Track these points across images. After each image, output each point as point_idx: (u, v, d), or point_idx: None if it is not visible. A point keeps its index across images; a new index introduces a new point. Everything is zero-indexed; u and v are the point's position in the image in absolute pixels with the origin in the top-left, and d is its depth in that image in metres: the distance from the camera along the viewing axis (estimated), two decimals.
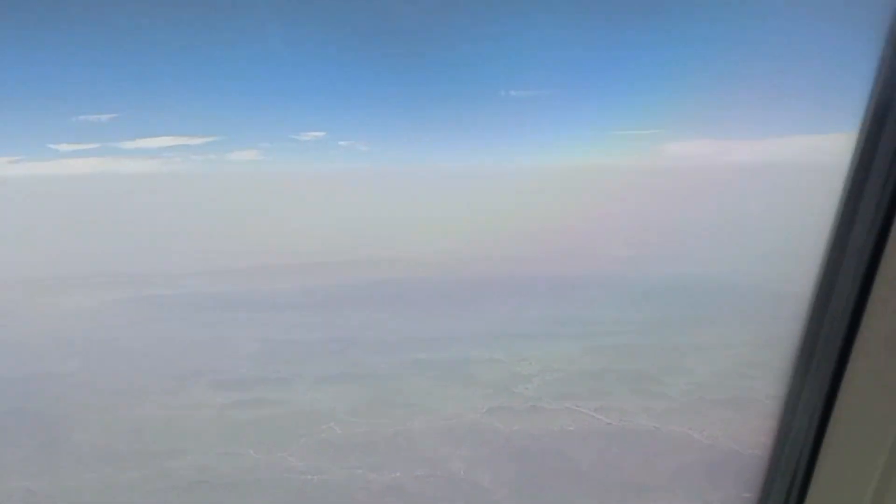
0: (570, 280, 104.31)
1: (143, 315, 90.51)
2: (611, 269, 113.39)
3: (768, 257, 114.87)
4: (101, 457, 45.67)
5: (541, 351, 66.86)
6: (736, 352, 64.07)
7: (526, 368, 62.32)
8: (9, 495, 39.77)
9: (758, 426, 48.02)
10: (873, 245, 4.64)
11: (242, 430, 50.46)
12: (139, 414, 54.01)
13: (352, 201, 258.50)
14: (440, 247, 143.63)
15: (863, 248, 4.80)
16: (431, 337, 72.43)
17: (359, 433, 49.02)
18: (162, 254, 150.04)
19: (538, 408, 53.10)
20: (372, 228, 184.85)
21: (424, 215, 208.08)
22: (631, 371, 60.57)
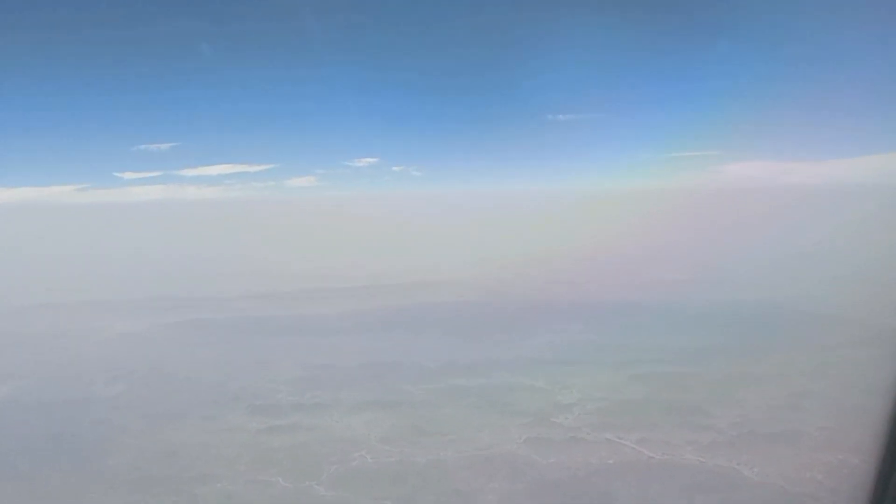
0: (618, 305, 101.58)
1: (190, 339, 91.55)
2: (660, 295, 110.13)
3: (827, 282, 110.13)
4: (132, 482, 45.61)
5: (583, 379, 64.59)
6: (789, 382, 60.79)
7: (567, 397, 60.22)
8: None
9: (811, 462, 45.12)
10: None
11: (274, 457, 49.80)
12: (175, 438, 53.93)
13: (402, 226, 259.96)
14: (488, 270, 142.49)
15: None
16: (471, 363, 70.95)
17: (390, 462, 47.84)
18: (215, 278, 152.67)
19: (578, 439, 51.02)
20: (421, 252, 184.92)
21: (473, 239, 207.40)
22: (677, 401, 57.85)
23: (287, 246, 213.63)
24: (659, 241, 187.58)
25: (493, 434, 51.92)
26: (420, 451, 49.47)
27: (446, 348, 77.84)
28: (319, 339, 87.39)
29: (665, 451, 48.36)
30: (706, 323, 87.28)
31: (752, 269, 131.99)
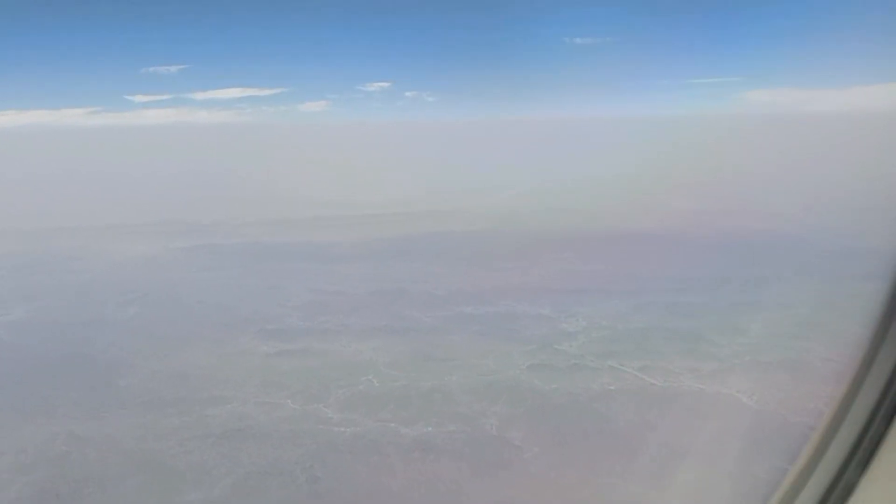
0: (630, 234, 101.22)
1: (202, 263, 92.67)
2: (673, 224, 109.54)
3: (846, 212, 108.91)
4: (145, 402, 46.99)
5: (589, 307, 65.08)
6: (796, 312, 60.92)
7: (572, 325, 60.84)
8: (52, 438, 41.34)
9: (812, 392, 45.59)
10: None
11: (284, 380, 50.97)
12: (187, 360, 55.25)
13: (415, 153, 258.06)
14: (499, 199, 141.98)
15: None
16: (480, 291, 71.52)
17: (396, 387, 48.88)
18: (227, 203, 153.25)
19: (580, 366, 51.78)
20: (432, 180, 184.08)
21: (486, 167, 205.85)
22: (681, 330, 58.30)
23: (299, 172, 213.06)
24: (675, 169, 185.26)
25: (497, 360, 52.76)
26: (425, 375, 50.43)
27: (454, 276, 78.36)
28: (330, 266, 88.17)
29: (666, 378, 49.04)
30: (717, 253, 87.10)
31: (770, 198, 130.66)
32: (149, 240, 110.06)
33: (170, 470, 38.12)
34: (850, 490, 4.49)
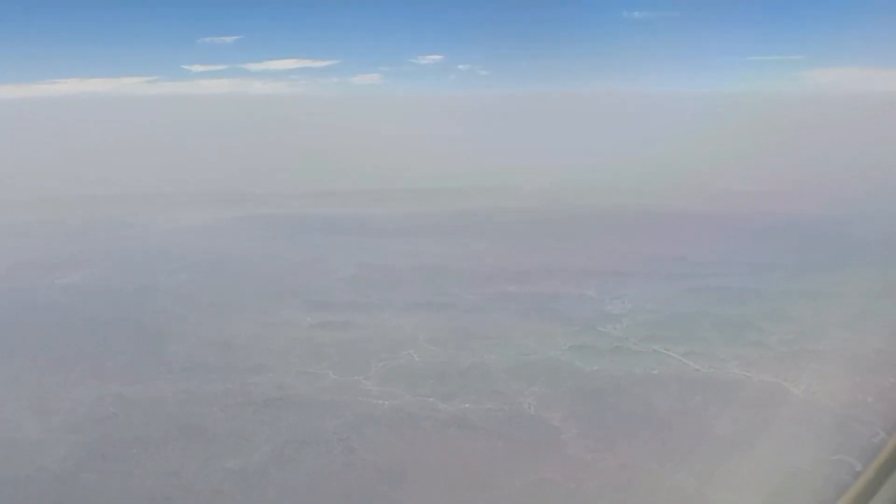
0: (683, 216, 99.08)
1: (253, 233, 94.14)
2: (729, 206, 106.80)
3: None
4: (189, 368, 48.05)
5: (637, 289, 63.95)
6: (850, 300, 58.82)
7: (618, 307, 59.89)
8: (100, 399, 42.63)
9: (862, 383, 44.07)
10: None
11: (326, 351, 51.50)
12: (232, 329, 56.27)
13: (467, 127, 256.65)
14: (551, 177, 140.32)
15: None
16: (525, 269, 70.90)
17: (436, 362, 48.93)
18: (280, 174, 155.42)
19: (623, 349, 50.99)
20: (484, 155, 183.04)
21: (538, 143, 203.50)
22: (730, 316, 56.80)
23: (350, 145, 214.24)
24: (734, 149, 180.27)
25: (538, 340, 52.34)
26: (465, 352, 50.39)
27: (499, 254, 77.94)
28: (376, 240, 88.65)
29: (711, 365, 47.95)
30: (773, 237, 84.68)
31: (830, 182, 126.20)
32: (202, 209, 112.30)
33: (211, 435, 38.95)
34: None
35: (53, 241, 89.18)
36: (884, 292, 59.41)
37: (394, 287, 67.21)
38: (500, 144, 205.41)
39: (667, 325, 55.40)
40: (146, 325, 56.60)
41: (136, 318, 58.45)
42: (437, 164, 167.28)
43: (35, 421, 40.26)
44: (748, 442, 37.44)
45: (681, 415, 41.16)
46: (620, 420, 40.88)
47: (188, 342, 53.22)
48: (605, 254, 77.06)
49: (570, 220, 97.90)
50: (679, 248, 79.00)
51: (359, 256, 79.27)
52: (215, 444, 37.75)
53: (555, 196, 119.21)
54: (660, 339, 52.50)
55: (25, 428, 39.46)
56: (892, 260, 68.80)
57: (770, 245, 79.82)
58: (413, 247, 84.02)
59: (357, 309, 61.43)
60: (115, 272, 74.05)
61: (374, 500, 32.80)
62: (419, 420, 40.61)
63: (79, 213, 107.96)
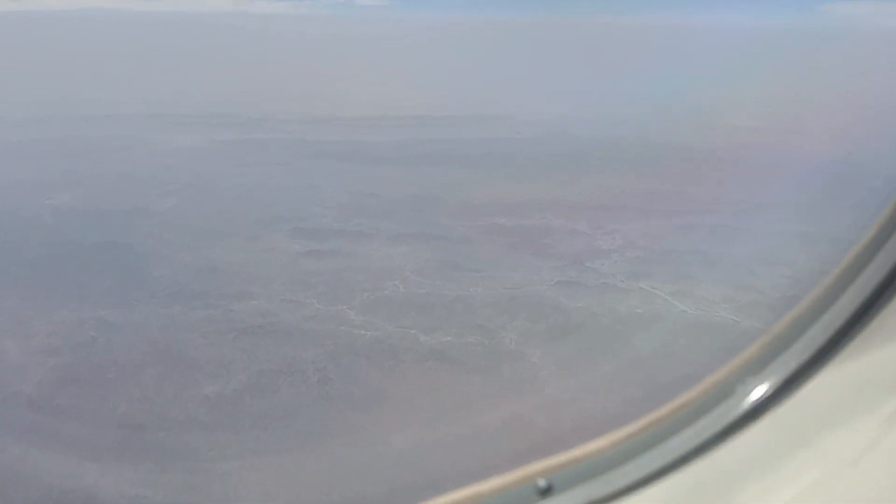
0: (683, 150, 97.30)
1: (245, 158, 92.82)
2: (731, 142, 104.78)
3: None
4: (173, 294, 47.82)
5: (629, 225, 63.18)
6: (847, 246, 57.86)
7: (607, 243, 59.26)
8: (81, 323, 42.51)
9: None
10: None
11: (311, 280, 51.20)
12: (218, 255, 55.89)
13: (471, 53, 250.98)
14: (552, 107, 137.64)
15: None
16: (517, 202, 70.02)
17: (420, 294, 48.65)
18: (277, 98, 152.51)
19: (610, 285, 50.61)
20: (487, 83, 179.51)
21: (543, 72, 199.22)
22: (723, 256, 56.32)
23: (352, 70, 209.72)
24: (744, 84, 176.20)
25: (524, 274, 51.88)
26: (451, 285, 50.01)
27: (493, 185, 76.84)
28: (370, 168, 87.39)
29: (699, 306, 47.56)
30: (775, 175, 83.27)
31: (842, 121, 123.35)
32: (196, 131, 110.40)
33: (190, 361, 38.92)
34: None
35: (46, 161, 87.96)
36: None
37: (384, 216, 66.45)
38: (502, 73, 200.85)
39: (656, 263, 54.87)
40: (132, 249, 56.16)
41: (124, 241, 57.96)
42: (436, 91, 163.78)
43: (14, 344, 40.17)
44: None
45: (662, 357, 40.92)
46: (600, 359, 40.82)
47: (174, 267, 52.82)
48: (600, 188, 75.92)
49: (566, 153, 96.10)
50: (677, 184, 77.76)
51: (351, 184, 78.30)
52: (193, 371, 37.72)
53: (554, 128, 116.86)
54: (648, 276, 51.99)
55: (4, 351, 39.42)
56: None
57: (771, 183, 78.54)
58: (407, 176, 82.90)
59: (345, 237, 60.91)
60: (105, 194, 73.17)
61: (345, 431, 32.90)
62: (399, 352, 40.50)
63: (71, 133, 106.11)
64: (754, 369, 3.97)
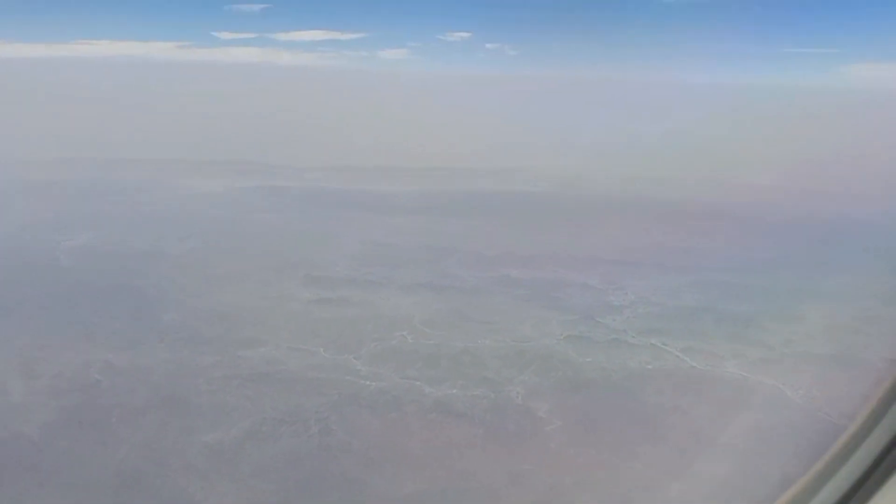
0: (699, 208, 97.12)
1: (263, 204, 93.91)
2: (747, 200, 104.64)
3: None
4: (182, 338, 47.92)
5: (640, 281, 62.69)
6: (860, 304, 57.24)
7: (619, 298, 58.79)
8: (87, 365, 42.61)
9: (865, 392, 42.67)
10: None
11: (320, 328, 51.13)
12: (230, 300, 56.07)
13: (490, 107, 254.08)
14: (567, 161, 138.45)
15: None
16: (531, 254, 69.85)
17: (428, 344, 48.35)
18: (297, 146, 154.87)
19: (621, 341, 50.00)
20: (505, 136, 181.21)
21: (560, 126, 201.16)
22: (734, 312, 55.52)
23: (372, 119, 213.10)
24: (760, 142, 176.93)
25: (534, 327, 51.52)
26: (459, 336, 49.72)
27: (506, 237, 76.89)
28: (385, 217, 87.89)
29: (709, 362, 46.89)
30: (788, 234, 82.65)
31: (855, 181, 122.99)
32: (217, 177, 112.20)
33: (193, 407, 38.78)
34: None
35: (67, 202, 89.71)
36: None
37: (397, 265, 66.56)
38: (521, 125, 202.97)
39: (668, 319, 54.29)
40: (145, 292, 56.59)
41: (137, 284, 58.47)
42: (456, 142, 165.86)
43: (20, 384, 40.35)
44: (736, 446, 36.50)
45: (670, 413, 40.21)
46: (607, 415, 40.07)
47: (185, 311, 53.08)
48: (614, 242, 75.68)
49: (582, 206, 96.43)
50: (690, 240, 77.62)
51: (366, 233, 78.74)
52: (195, 417, 37.55)
53: (571, 180, 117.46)
54: (659, 332, 51.44)
55: (10, 391, 39.58)
56: None
57: (784, 241, 77.94)
58: (421, 225, 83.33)
59: (357, 286, 60.95)
60: (122, 236, 74.19)
61: (344, 484, 32.37)
62: (403, 403, 40.10)
63: (96, 175, 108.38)
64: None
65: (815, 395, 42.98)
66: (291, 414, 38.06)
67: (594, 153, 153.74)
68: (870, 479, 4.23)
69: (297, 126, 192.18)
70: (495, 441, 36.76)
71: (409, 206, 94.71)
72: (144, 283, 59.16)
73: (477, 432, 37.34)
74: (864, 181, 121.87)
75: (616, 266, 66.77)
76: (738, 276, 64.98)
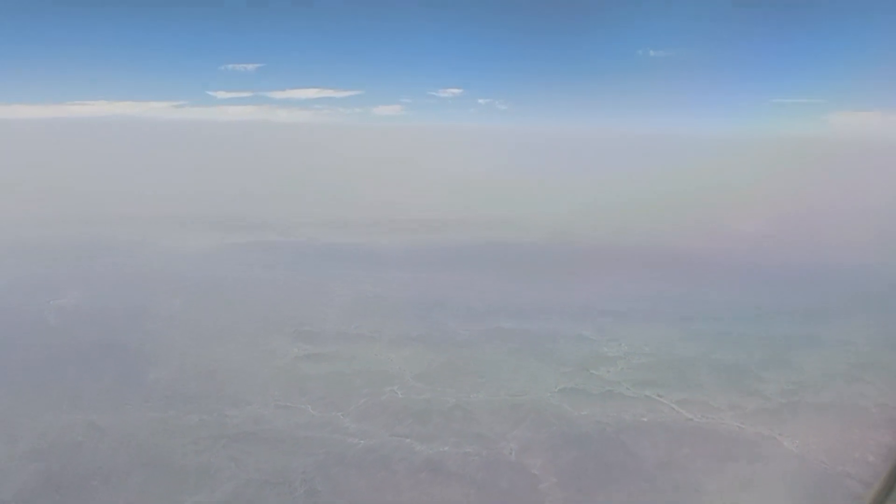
0: (691, 258, 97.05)
1: (254, 260, 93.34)
2: (737, 249, 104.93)
3: None
4: (168, 397, 46.88)
5: (635, 332, 62.02)
6: (854, 351, 56.67)
7: (613, 349, 58.01)
8: (70, 427, 41.51)
9: (862, 440, 42.00)
10: None
11: (308, 385, 50.13)
12: (218, 357, 55.10)
13: (481, 160, 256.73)
14: (558, 213, 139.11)
15: None
16: (521, 307, 69.26)
17: (419, 400, 47.37)
18: (292, 201, 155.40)
19: (616, 393, 49.12)
20: (497, 188, 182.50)
21: (550, 179, 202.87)
22: (729, 362, 54.89)
23: (366, 174, 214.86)
24: (749, 191, 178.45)
25: (527, 380, 50.68)
26: (451, 390, 48.80)
27: (499, 290, 76.47)
28: (377, 271, 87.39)
29: (705, 414, 46.03)
30: (780, 282, 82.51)
31: (844, 229, 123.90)
32: (209, 233, 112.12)
33: (177, 469, 37.66)
34: None
35: (56, 261, 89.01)
36: (890, 344, 57.25)
37: (388, 319, 65.85)
38: (512, 178, 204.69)
39: (662, 370, 53.51)
40: (132, 350, 55.63)
41: (124, 342, 57.55)
42: (448, 195, 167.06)
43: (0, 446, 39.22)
44: (733, 499, 35.51)
45: (666, 467, 39.21)
46: (603, 470, 39.05)
47: (171, 369, 52.11)
48: (607, 293, 75.31)
49: (574, 257, 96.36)
50: (682, 290, 77.29)
51: (357, 286, 78.20)
52: (178, 480, 36.40)
53: (562, 232, 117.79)
54: (654, 384, 50.63)
55: None
56: None
57: (776, 290, 77.78)
58: (412, 278, 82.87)
59: (347, 340, 60.16)
60: (110, 294, 73.36)
61: None
62: (392, 462, 39.02)
63: (87, 233, 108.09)
64: None
65: (810, 443, 42.09)
66: (277, 475, 36.95)
67: (584, 204, 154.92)
68: None
69: (292, 182, 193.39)
70: (488, 500, 35.70)
71: (402, 259, 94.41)
72: (132, 341, 58.22)
73: (469, 492, 36.25)
74: (849, 229, 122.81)
75: (609, 316, 66.23)
76: (731, 325, 64.45)
